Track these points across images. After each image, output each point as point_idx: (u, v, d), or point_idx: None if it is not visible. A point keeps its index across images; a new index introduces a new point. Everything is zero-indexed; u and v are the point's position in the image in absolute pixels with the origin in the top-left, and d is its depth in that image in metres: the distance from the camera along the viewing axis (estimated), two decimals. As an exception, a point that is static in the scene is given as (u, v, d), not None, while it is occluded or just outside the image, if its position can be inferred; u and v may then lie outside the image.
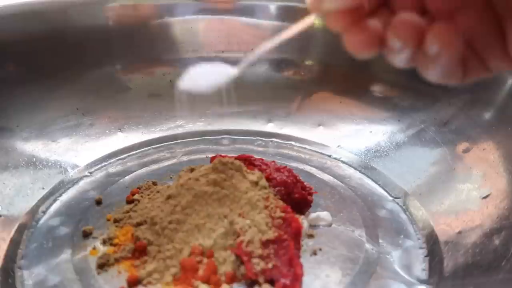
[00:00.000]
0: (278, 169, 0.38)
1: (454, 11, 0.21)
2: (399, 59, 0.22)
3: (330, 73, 0.55)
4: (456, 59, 0.21)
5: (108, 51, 0.53)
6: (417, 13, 0.21)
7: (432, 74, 0.22)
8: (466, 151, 0.42)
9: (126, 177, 0.44)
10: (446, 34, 0.20)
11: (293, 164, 0.46)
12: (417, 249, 0.36)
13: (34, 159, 0.44)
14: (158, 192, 0.39)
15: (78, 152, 0.47)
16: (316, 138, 0.51)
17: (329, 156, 0.49)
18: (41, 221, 0.38)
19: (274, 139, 0.52)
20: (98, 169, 0.46)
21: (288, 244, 0.31)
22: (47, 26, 0.49)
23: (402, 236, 0.37)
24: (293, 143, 0.52)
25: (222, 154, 0.39)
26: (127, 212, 0.37)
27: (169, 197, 0.35)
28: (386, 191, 0.43)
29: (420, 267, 0.34)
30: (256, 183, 0.36)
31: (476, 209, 0.36)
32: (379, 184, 0.44)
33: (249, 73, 0.55)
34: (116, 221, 0.36)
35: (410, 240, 0.37)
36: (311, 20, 0.25)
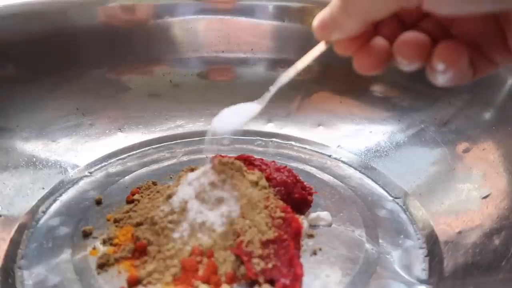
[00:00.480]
0: (278, 169, 0.38)
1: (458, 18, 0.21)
2: (407, 68, 0.23)
3: (330, 73, 0.55)
4: (463, 70, 0.21)
5: (108, 51, 0.53)
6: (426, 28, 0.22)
7: (442, 82, 0.22)
8: (466, 151, 0.42)
9: (126, 177, 0.44)
10: (451, 53, 0.21)
11: (293, 164, 0.46)
12: (417, 249, 0.36)
13: (34, 159, 0.44)
14: (158, 192, 0.39)
15: (78, 152, 0.47)
16: (316, 138, 0.51)
17: (329, 156, 0.49)
18: (41, 221, 0.38)
19: (274, 139, 0.52)
20: (98, 169, 0.46)
21: (288, 244, 0.31)
22: (47, 26, 0.49)
23: (402, 236, 0.37)
24: (293, 143, 0.52)
25: (222, 154, 0.39)
26: (127, 212, 0.37)
27: (169, 197, 0.35)
28: (386, 191, 0.43)
29: (420, 267, 0.34)
30: (256, 183, 0.36)
31: (476, 209, 0.36)
32: (379, 184, 0.44)
33: (249, 73, 0.55)
34: (116, 221, 0.36)
35: (410, 240, 0.37)
36: (322, 46, 0.26)
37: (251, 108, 0.30)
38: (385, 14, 0.21)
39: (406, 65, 0.22)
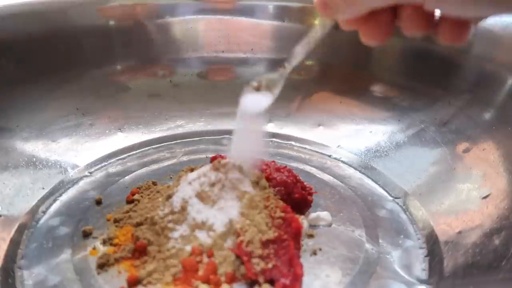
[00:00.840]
0: (278, 169, 0.38)
1: None
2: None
3: (330, 73, 0.55)
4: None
5: (108, 51, 0.53)
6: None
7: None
8: (466, 151, 0.42)
9: (126, 177, 0.44)
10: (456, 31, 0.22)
11: (293, 164, 0.46)
12: (417, 249, 0.36)
13: (34, 159, 0.44)
14: (158, 192, 0.39)
15: (78, 152, 0.47)
16: (316, 138, 0.51)
17: (329, 156, 0.49)
18: (41, 221, 0.38)
19: (274, 139, 0.52)
20: (98, 169, 0.46)
21: (288, 244, 0.31)
22: (47, 26, 0.49)
23: (402, 236, 0.37)
24: (293, 143, 0.52)
25: (222, 154, 0.39)
26: (127, 212, 0.37)
27: (169, 197, 0.35)
28: (386, 191, 0.43)
29: (420, 267, 0.34)
30: (256, 183, 0.36)
31: (476, 209, 0.36)
32: (379, 184, 0.44)
33: (249, 73, 0.55)
34: (116, 221, 0.36)
35: (410, 240, 0.37)
36: (328, 22, 0.26)
37: (266, 98, 0.32)
38: (385, 5, 0.21)
39: (411, 34, 0.23)
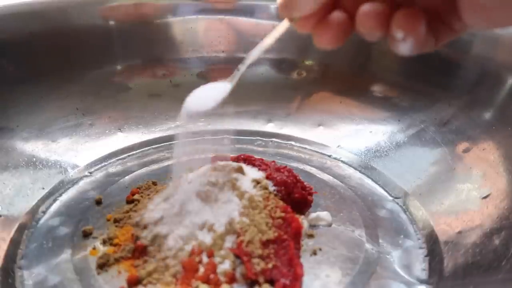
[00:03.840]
0: (278, 169, 0.38)
1: None
2: (371, 39, 0.23)
3: (330, 73, 0.55)
4: (422, 37, 0.22)
5: (108, 51, 0.53)
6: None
7: (403, 51, 0.23)
8: (466, 151, 0.42)
9: (126, 177, 0.44)
10: (409, 20, 0.21)
11: (293, 164, 0.46)
12: (417, 249, 0.36)
13: (34, 159, 0.44)
14: (158, 192, 0.39)
15: (78, 152, 0.47)
16: (316, 138, 0.51)
17: (329, 156, 0.49)
18: (41, 221, 0.38)
19: (274, 139, 0.52)
20: (98, 169, 0.46)
21: (288, 244, 0.31)
22: (47, 26, 0.49)
23: (402, 236, 0.37)
24: (293, 143, 0.52)
25: (222, 154, 0.39)
26: (127, 212, 0.37)
27: (169, 197, 0.35)
28: (386, 191, 0.43)
29: (420, 267, 0.34)
30: (256, 183, 0.36)
31: (476, 209, 0.36)
32: (379, 184, 0.44)
33: (249, 73, 0.55)
34: (116, 221, 0.36)
35: (410, 240, 0.37)
36: (287, 23, 0.26)
37: (222, 87, 0.31)
38: None
39: (368, 36, 0.23)
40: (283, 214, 0.33)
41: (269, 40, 0.28)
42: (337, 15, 0.23)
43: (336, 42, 0.24)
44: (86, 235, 0.35)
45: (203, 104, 0.31)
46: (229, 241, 0.32)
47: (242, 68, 0.30)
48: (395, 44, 0.22)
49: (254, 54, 0.29)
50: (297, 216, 0.35)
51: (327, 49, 0.24)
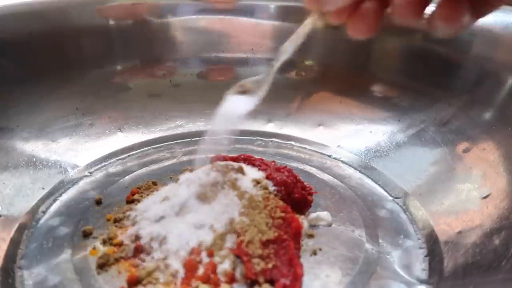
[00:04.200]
0: (278, 169, 0.38)
1: None
2: (407, 24, 0.24)
3: (330, 73, 0.55)
4: (465, 23, 0.22)
5: (108, 51, 0.53)
6: None
7: (445, 35, 0.22)
8: (466, 151, 0.42)
9: (126, 177, 0.44)
10: (452, 12, 0.21)
11: (293, 164, 0.46)
12: (417, 249, 0.36)
13: (34, 159, 0.44)
14: (158, 192, 0.39)
15: (78, 152, 0.47)
16: (316, 138, 0.51)
17: (329, 156, 0.49)
18: (41, 221, 0.38)
19: (274, 139, 0.52)
20: (98, 169, 0.46)
21: (288, 244, 0.31)
22: (47, 26, 0.49)
23: (402, 236, 0.37)
24: (293, 143, 0.52)
25: (222, 154, 0.39)
26: (127, 212, 0.37)
27: (168, 197, 0.35)
28: (386, 191, 0.43)
29: (420, 267, 0.34)
30: (256, 183, 0.36)
31: (476, 209, 0.36)
32: (379, 184, 0.44)
33: (249, 73, 0.55)
34: (116, 221, 0.36)
35: (410, 240, 0.37)
36: (315, 18, 0.26)
37: (250, 100, 0.32)
38: None
39: (405, 22, 0.23)
40: (283, 214, 0.33)
41: (295, 40, 0.28)
42: (369, 4, 0.23)
43: (371, 31, 0.24)
44: (86, 235, 0.35)
45: (237, 110, 0.32)
46: (229, 241, 0.32)
47: (273, 69, 0.30)
48: (435, 29, 0.22)
49: (280, 59, 0.29)
50: (297, 216, 0.35)
51: (362, 39, 0.24)
